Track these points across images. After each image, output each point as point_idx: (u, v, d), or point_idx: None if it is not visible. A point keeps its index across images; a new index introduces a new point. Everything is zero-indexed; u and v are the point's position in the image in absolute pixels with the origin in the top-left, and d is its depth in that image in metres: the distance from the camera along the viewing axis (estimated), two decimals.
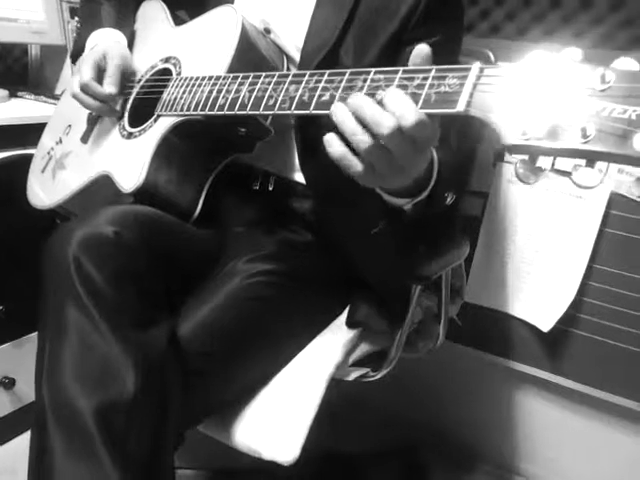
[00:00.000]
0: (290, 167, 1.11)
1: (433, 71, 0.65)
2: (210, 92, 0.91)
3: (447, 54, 1.02)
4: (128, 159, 1.03)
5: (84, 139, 1.18)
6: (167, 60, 1.10)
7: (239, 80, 0.87)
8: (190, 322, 0.91)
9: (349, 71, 0.72)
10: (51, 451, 0.72)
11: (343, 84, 0.72)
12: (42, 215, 1.23)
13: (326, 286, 1.12)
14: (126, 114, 1.11)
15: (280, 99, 0.79)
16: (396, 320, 1.13)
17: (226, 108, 0.88)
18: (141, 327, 0.80)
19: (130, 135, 1.06)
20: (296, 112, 0.77)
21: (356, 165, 0.69)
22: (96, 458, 0.70)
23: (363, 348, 1.14)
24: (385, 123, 0.65)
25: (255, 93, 0.83)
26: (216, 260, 1.05)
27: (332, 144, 0.69)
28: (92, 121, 1.18)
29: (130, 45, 1.20)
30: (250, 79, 0.85)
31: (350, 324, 1.11)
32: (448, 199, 0.89)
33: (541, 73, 0.56)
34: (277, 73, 0.82)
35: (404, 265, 1.05)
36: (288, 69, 1.07)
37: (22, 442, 1.55)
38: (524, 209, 1.45)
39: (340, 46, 1.00)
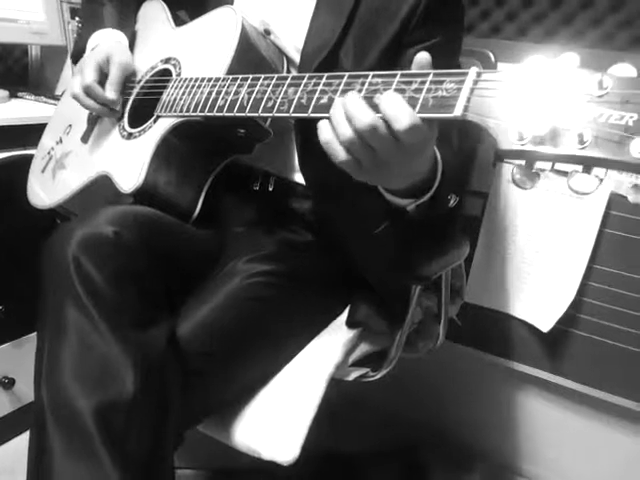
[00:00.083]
0: (290, 168, 1.11)
1: (431, 75, 0.65)
2: (209, 93, 0.91)
3: (448, 55, 1.02)
4: (128, 159, 1.03)
5: (84, 139, 1.18)
6: (167, 61, 1.10)
7: (238, 82, 0.87)
8: (190, 322, 0.91)
9: (347, 74, 0.73)
10: (50, 451, 0.72)
11: (341, 87, 0.73)
12: (42, 215, 1.23)
13: (326, 286, 1.12)
14: (126, 114, 1.11)
15: (279, 101, 0.79)
16: (396, 320, 1.13)
17: (225, 110, 0.88)
18: (141, 327, 0.80)
19: (130, 135, 1.07)
20: (294, 115, 0.77)
21: (339, 154, 0.70)
22: (96, 458, 0.70)
23: (363, 348, 1.14)
24: (363, 119, 0.66)
25: (254, 95, 0.83)
26: (216, 260, 1.05)
27: (322, 130, 0.71)
28: (92, 121, 1.18)
29: (131, 45, 1.20)
30: (249, 81, 0.85)
31: (350, 324, 1.11)
32: (451, 201, 0.89)
33: (539, 78, 0.56)
34: (276, 75, 0.82)
35: (404, 265, 1.05)
36: (288, 70, 1.07)
37: (21, 442, 1.55)
38: (524, 209, 1.45)
39: (340, 48, 1.00)
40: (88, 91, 1.07)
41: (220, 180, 1.09)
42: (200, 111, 0.92)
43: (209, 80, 0.93)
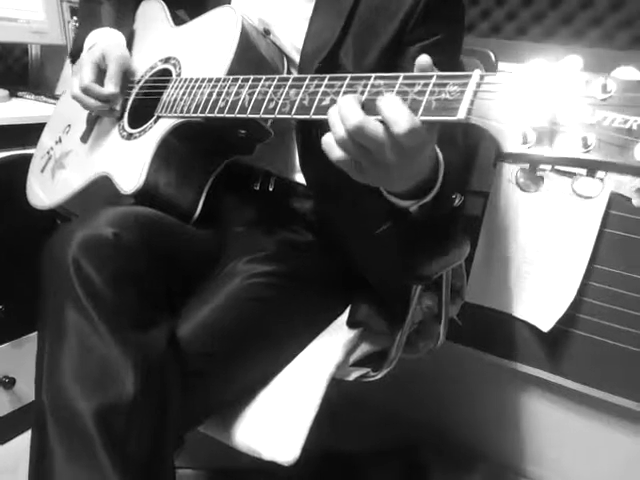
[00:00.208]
0: (291, 168, 1.11)
1: (434, 78, 0.65)
2: (210, 94, 0.91)
3: (448, 53, 1.02)
4: (128, 160, 1.03)
5: (84, 139, 1.18)
6: (167, 60, 1.10)
7: (239, 83, 0.87)
8: (190, 323, 0.91)
9: (349, 76, 0.72)
10: (51, 453, 0.72)
11: (343, 89, 0.72)
12: (42, 215, 1.23)
13: (326, 286, 1.12)
14: (126, 115, 1.11)
15: (280, 103, 0.79)
16: (396, 320, 1.13)
17: (226, 111, 0.87)
18: (141, 328, 0.80)
19: (130, 136, 1.06)
20: (296, 117, 0.77)
21: (335, 153, 0.70)
22: (96, 461, 0.70)
23: (363, 348, 1.14)
24: (351, 119, 0.66)
25: (255, 96, 0.83)
26: (216, 261, 1.05)
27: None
28: (91, 121, 1.18)
29: (129, 45, 1.20)
30: (250, 82, 0.85)
31: (351, 324, 1.11)
32: (456, 200, 0.89)
33: (542, 81, 0.56)
34: (277, 76, 0.82)
35: (405, 265, 1.05)
36: (288, 70, 1.06)
37: (22, 442, 1.55)
38: (525, 209, 1.45)
39: (340, 47, 1.00)
40: (86, 91, 1.06)
41: (220, 180, 1.09)
42: (201, 112, 0.92)
43: (210, 80, 0.93)
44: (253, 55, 1.00)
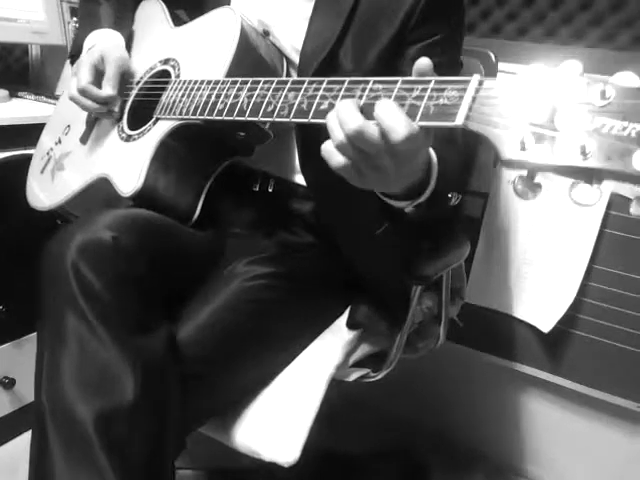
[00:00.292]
0: (290, 169, 1.10)
1: (432, 82, 0.64)
2: (209, 96, 0.91)
3: (449, 53, 1.02)
4: (127, 162, 1.03)
5: (83, 140, 1.18)
6: (166, 62, 1.10)
7: (238, 85, 0.87)
8: (190, 325, 0.91)
9: (348, 80, 0.72)
10: (51, 456, 0.72)
11: (342, 93, 0.72)
12: (43, 215, 1.23)
13: (326, 287, 1.12)
14: (125, 116, 1.10)
15: (279, 106, 0.79)
16: (396, 321, 1.13)
17: (225, 113, 0.87)
18: (140, 332, 0.80)
19: (129, 138, 1.06)
20: (295, 120, 0.77)
21: (333, 156, 0.70)
22: (95, 464, 0.71)
23: (363, 349, 1.14)
24: (351, 124, 0.66)
25: (254, 99, 0.83)
26: (216, 263, 1.04)
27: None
28: (91, 122, 1.18)
29: (128, 45, 1.19)
30: (249, 84, 0.85)
31: (350, 325, 1.11)
32: (453, 200, 0.89)
33: (541, 87, 0.55)
34: (276, 79, 0.81)
35: (405, 266, 1.05)
36: (288, 71, 1.06)
37: (22, 442, 1.55)
38: (524, 210, 1.45)
39: (339, 47, 0.99)
40: (83, 93, 1.06)
41: (219, 181, 1.08)
42: (200, 114, 0.92)
43: (208, 83, 0.93)
44: (252, 56, 1.00)
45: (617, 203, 1.34)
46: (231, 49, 0.96)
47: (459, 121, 0.61)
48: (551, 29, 1.44)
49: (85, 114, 1.18)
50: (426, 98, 0.64)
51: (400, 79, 0.67)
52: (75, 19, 1.77)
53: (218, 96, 0.89)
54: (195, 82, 0.96)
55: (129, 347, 0.77)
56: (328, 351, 1.06)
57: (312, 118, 0.75)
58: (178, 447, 0.86)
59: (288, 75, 1.06)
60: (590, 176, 0.53)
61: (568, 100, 0.54)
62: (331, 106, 0.72)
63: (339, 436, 1.48)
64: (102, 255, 0.81)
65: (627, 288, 1.38)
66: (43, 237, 0.87)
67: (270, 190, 1.12)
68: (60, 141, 1.26)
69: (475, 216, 1.51)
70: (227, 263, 1.02)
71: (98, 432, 0.71)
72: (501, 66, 1.28)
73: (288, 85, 0.79)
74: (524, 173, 0.57)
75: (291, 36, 1.05)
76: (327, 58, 0.98)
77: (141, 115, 1.06)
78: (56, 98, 1.61)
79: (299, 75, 1.01)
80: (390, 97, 0.67)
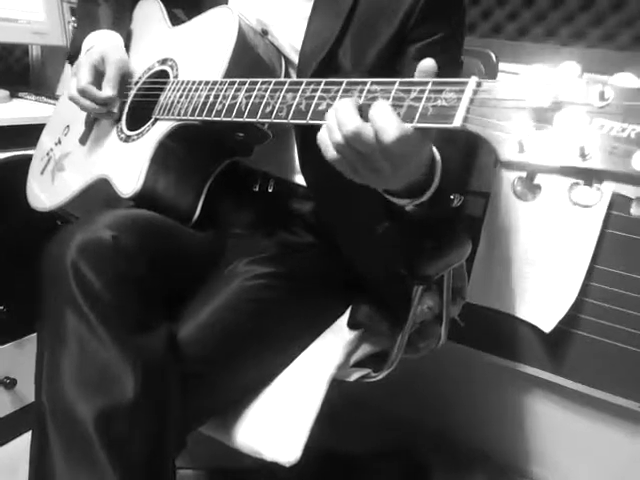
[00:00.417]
0: (290, 169, 1.10)
1: (430, 84, 0.64)
2: (207, 97, 0.91)
3: (449, 53, 1.02)
4: (126, 163, 1.03)
5: (82, 141, 1.18)
6: (164, 62, 1.10)
7: (236, 85, 0.87)
8: (190, 324, 0.91)
9: (346, 81, 0.72)
10: (51, 456, 0.72)
11: (340, 94, 0.72)
12: (43, 216, 1.23)
13: (327, 287, 1.12)
14: (124, 116, 1.10)
15: (277, 107, 0.79)
16: (397, 321, 1.13)
17: (223, 114, 0.87)
18: (140, 331, 0.80)
19: (128, 138, 1.06)
20: (293, 121, 0.77)
21: (332, 155, 0.71)
22: (96, 463, 0.71)
23: (364, 349, 1.13)
24: (349, 126, 0.67)
25: (252, 100, 0.83)
26: (216, 263, 1.04)
27: (321, 132, 0.72)
28: (90, 123, 1.18)
29: (126, 45, 1.19)
30: (247, 85, 0.85)
31: (351, 325, 1.11)
32: (455, 201, 0.89)
33: (539, 88, 0.55)
34: (274, 80, 0.81)
35: (406, 265, 1.05)
36: (287, 71, 1.06)
37: (23, 442, 1.55)
38: (525, 209, 1.45)
39: (339, 47, 0.99)
40: (83, 93, 1.06)
41: (219, 182, 1.08)
42: (198, 115, 0.92)
43: (206, 83, 0.92)
44: (251, 56, 1.00)
45: (618, 203, 1.34)
46: (229, 49, 0.96)
47: (457, 123, 0.61)
48: (551, 29, 1.44)
49: (84, 114, 1.18)
50: (424, 100, 0.64)
51: (398, 80, 0.67)
52: (73, 19, 1.77)
53: (216, 97, 0.89)
54: (193, 83, 0.96)
55: (129, 347, 0.77)
56: (329, 351, 1.06)
57: (310, 119, 0.75)
58: (179, 446, 0.86)
59: (287, 74, 1.06)
60: (590, 177, 0.52)
61: (567, 101, 0.54)
62: (329, 107, 0.72)
63: (340, 436, 1.48)
64: (102, 255, 0.81)
65: (628, 288, 1.38)
66: (43, 238, 0.87)
67: (270, 190, 1.12)
68: (60, 142, 1.26)
69: (476, 215, 1.51)
70: (227, 263, 1.02)
71: (98, 431, 0.71)
72: (502, 66, 1.28)
73: (286, 86, 0.79)
74: (523, 175, 0.57)
75: (289, 35, 1.05)
76: (326, 58, 0.98)
77: (140, 115, 1.06)
78: (56, 98, 1.61)
79: (298, 75, 1.01)
80: (388, 98, 0.67)
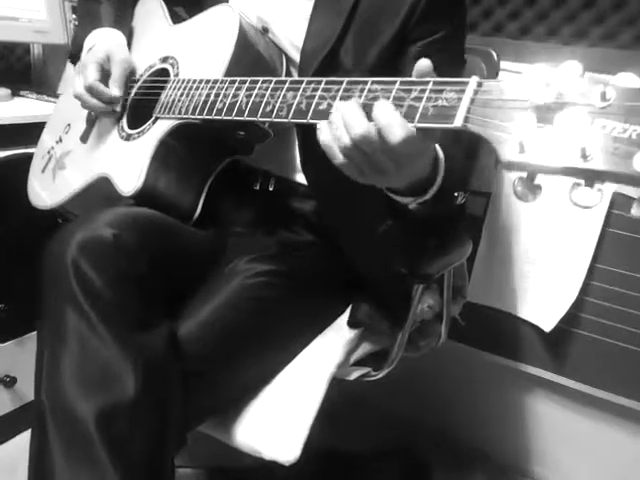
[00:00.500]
0: (291, 168, 1.10)
1: (430, 84, 0.64)
2: (208, 96, 0.91)
3: (451, 51, 1.02)
4: (127, 162, 1.03)
5: (83, 139, 1.18)
6: (165, 60, 1.10)
7: (236, 84, 0.87)
8: (191, 323, 0.91)
9: (346, 80, 0.72)
10: (51, 454, 0.72)
11: (340, 93, 0.72)
12: (44, 214, 1.23)
13: (327, 286, 1.12)
14: (125, 115, 1.10)
15: (277, 106, 0.79)
16: (398, 320, 1.13)
17: (224, 113, 0.87)
18: (141, 329, 0.80)
19: (129, 137, 1.06)
20: (293, 120, 0.77)
21: (337, 156, 0.71)
22: (96, 461, 0.71)
23: (364, 347, 1.13)
24: (357, 129, 0.67)
25: (253, 98, 0.83)
26: (216, 261, 1.04)
27: (323, 131, 0.72)
28: (91, 121, 1.18)
29: (128, 43, 1.19)
30: (247, 84, 0.85)
31: (351, 324, 1.10)
32: (459, 199, 0.89)
33: (540, 88, 0.55)
34: (274, 79, 0.82)
35: (406, 264, 1.05)
36: (287, 69, 1.06)
37: (22, 440, 1.55)
38: (526, 209, 1.45)
39: (340, 46, 0.99)
40: (91, 90, 1.06)
41: (220, 180, 1.08)
42: (199, 114, 0.92)
43: (207, 82, 0.92)
44: (251, 54, 1.00)
45: (619, 202, 1.34)
46: (230, 47, 0.96)
47: (457, 123, 0.61)
48: (553, 28, 1.44)
49: (85, 113, 1.18)
50: (424, 99, 0.64)
51: (399, 80, 0.67)
52: (74, 16, 1.77)
53: (217, 95, 0.89)
54: (194, 81, 0.96)
55: (130, 345, 0.77)
56: (329, 350, 1.06)
57: (311, 118, 0.75)
58: (178, 444, 0.86)
59: (287, 72, 1.06)
60: (591, 178, 0.52)
61: (568, 101, 0.53)
62: (330, 106, 0.72)
63: (340, 435, 1.48)
64: (103, 253, 0.81)
65: (629, 287, 1.38)
66: (44, 236, 0.87)
67: (271, 189, 1.12)
68: (61, 140, 1.26)
69: (477, 215, 1.51)
70: (228, 261, 1.02)
71: (99, 430, 0.71)
72: (503, 65, 1.28)
73: (287, 85, 0.79)
74: (524, 175, 0.57)
75: (290, 33, 1.05)
76: (328, 57, 0.98)
77: (141, 114, 1.06)
78: (57, 97, 1.61)
79: (300, 74, 1.01)
80: (388, 98, 0.67)
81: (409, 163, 0.70)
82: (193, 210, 1.06)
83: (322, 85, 0.75)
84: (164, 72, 1.08)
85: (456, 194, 0.89)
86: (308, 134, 1.00)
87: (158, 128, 1.00)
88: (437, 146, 0.79)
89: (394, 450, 1.63)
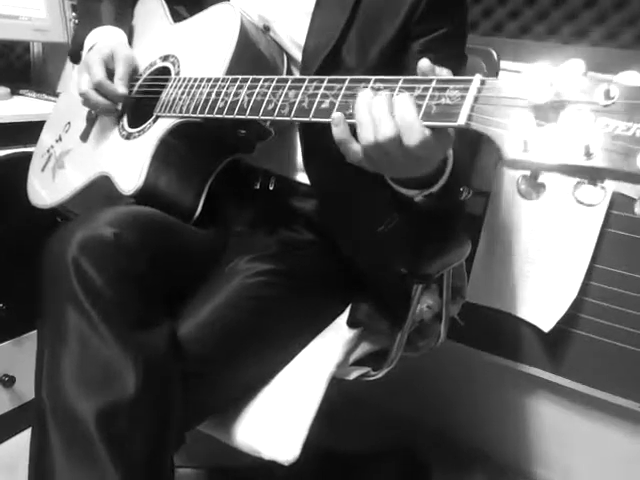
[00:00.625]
0: (291, 167, 1.10)
1: (434, 82, 0.64)
2: (209, 94, 0.91)
3: (453, 47, 1.02)
4: (127, 160, 1.02)
5: (84, 137, 1.17)
6: (166, 58, 1.10)
7: (238, 83, 0.87)
8: (191, 322, 0.91)
9: (349, 78, 0.72)
10: (51, 453, 0.72)
11: (343, 91, 0.72)
12: (43, 213, 1.23)
13: (327, 286, 1.12)
14: (125, 113, 1.10)
15: (279, 104, 0.79)
16: (397, 320, 1.13)
17: (225, 111, 0.87)
18: (141, 328, 0.80)
19: (129, 135, 1.06)
20: (295, 119, 0.77)
21: (355, 153, 0.71)
22: (96, 460, 0.70)
23: (364, 347, 1.13)
24: (388, 132, 0.66)
25: (254, 97, 0.83)
26: (217, 260, 1.04)
27: (339, 124, 0.71)
28: (91, 119, 1.17)
29: (129, 42, 1.19)
30: (249, 82, 0.85)
31: (351, 324, 1.10)
32: (464, 194, 0.89)
33: (544, 86, 0.55)
34: (276, 77, 0.81)
35: (407, 264, 1.05)
36: (289, 68, 1.06)
37: (22, 440, 1.55)
38: (526, 208, 1.45)
39: (343, 43, 0.99)
40: (99, 87, 1.05)
41: (221, 179, 1.08)
42: (200, 112, 0.92)
43: (208, 80, 0.92)
44: (253, 52, 1.00)
45: (619, 202, 1.34)
46: (231, 45, 0.96)
47: (461, 121, 0.61)
48: (554, 27, 1.44)
49: (85, 111, 1.17)
50: (428, 98, 0.64)
51: (402, 78, 0.67)
52: (74, 15, 1.77)
53: (218, 94, 0.89)
54: (195, 80, 0.95)
55: (130, 343, 0.77)
56: (329, 349, 1.06)
57: (313, 117, 0.75)
58: (178, 442, 0.86)
59: (289, 71, 1.06)
60: (594, 176, 0.52)
61: (572, 100, 0.53)
62: (332, 105, 0.72)
63: (339, 434, 1.48)
64: (103, 251, 0.81)
65: (628, 287, 1.38)
66: (44, 235, 0.87)
67: (271, 188, 1.11)
68: (60, 138, 1.25)
69: (477, 214, 1.51)
70: (228, 260, 1.02)
71: (99, 427, 0.71)
72: (503, 64, 1.28)
73: (288, 83, 0.79)
74: (527, 173, 0.57)
75: (292, 31, 1.05)
76: (330, 54, 0.98)
77: (141, 112, 1.06)
78: (57, 96, 1.61)
79: (302, 72, 1.01)
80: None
81: (425, 162, 0.71)
82: (194, 209, 1.06)
83: (324, 83, 0.74)
84: (165, 70, 1.08)
85: (461, 189, 0.89)
86: (311, 133, 1.00)
87: (159, 127, 1.00)
88: None
89: (394, 450, 1.63)
